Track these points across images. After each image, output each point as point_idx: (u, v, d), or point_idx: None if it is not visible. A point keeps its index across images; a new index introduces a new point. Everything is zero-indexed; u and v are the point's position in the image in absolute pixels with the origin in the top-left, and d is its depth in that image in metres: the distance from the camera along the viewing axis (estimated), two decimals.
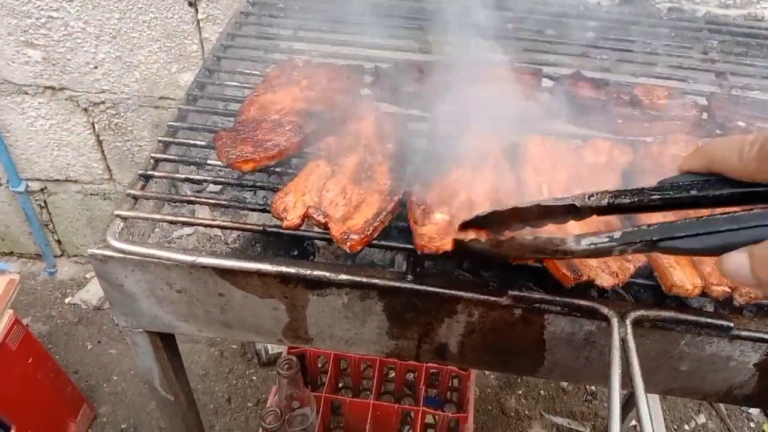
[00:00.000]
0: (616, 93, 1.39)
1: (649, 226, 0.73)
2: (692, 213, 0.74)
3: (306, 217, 1.11)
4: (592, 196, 0.82)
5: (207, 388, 3.05)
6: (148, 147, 2.92)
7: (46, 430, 2.56)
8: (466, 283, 1.12)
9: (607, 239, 0.77)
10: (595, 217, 0.86)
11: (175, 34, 2.58)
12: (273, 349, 3.05)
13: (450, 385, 2.51)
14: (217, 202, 1.19)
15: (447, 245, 1.05)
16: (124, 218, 1.15)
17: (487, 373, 3.13)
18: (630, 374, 0.99)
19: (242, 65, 1.56)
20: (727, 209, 0.70)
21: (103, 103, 2.83)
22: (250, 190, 1.31)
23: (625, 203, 0.79)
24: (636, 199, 0.78)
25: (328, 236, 1.13)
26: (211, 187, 1.43)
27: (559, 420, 3.01)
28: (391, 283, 1.10)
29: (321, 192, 1.15)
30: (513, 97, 1.38)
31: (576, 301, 1.06)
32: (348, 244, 1.05)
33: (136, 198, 1.19)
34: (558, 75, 1.47)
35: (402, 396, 2.56)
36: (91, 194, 3.16)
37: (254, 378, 3.10)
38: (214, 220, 1.17)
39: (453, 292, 1.10)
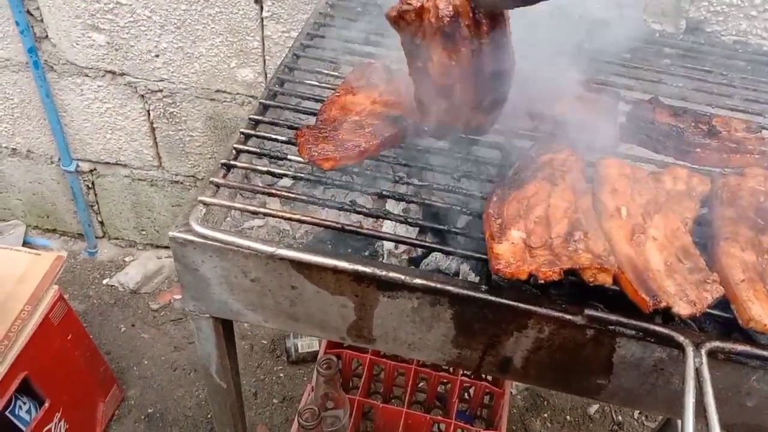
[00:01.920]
0: (694, 121, 1.39)
1: None
2: None
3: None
4: None
5: None
6: (200, 138, 2.96)
7: (77, 407, 2.59)
8: (538, 299, 1.12)
9: None
10: None
11: (238, 30, 2.61)
12: (303, 347, 3.06)
13: (482, 401, 2.49)
14: (296, 196, 1.20)
15: (523, 273, 1.05)
16: (207, 204, 1.17)
17: (513, 392, 3.11)
18: (704, 405, 0.99)
19: (320, 65, 1.58)
20: None
21: (160, 91, 2.88)
22: (326, 187, 1.32)
23: None
24: None
25: (395, 237, 1.14)
26: (281, 183, 1.45)
27: None
28: (465, 292, 1.11)
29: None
30: (592, 116, 1.38)
31: (652, 327, 1.06)
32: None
33: (218, 186, 1.21)
34: (635, 99, 1.47)
35: (431, 407, 2.55)
36: (139, 179, 3.20)
37: (281, 375, 3.11)
38: (293, 213, 1.19)
39: (527, 306, 1.10)
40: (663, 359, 1.11)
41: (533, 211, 1.18)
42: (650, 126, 1.38)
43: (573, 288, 1.21)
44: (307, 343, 3.05)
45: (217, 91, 2.82)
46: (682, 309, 1.05)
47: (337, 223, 1.15)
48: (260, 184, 1.42)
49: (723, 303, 1.09)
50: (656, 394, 1.17)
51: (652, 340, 1.09)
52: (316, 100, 1.43)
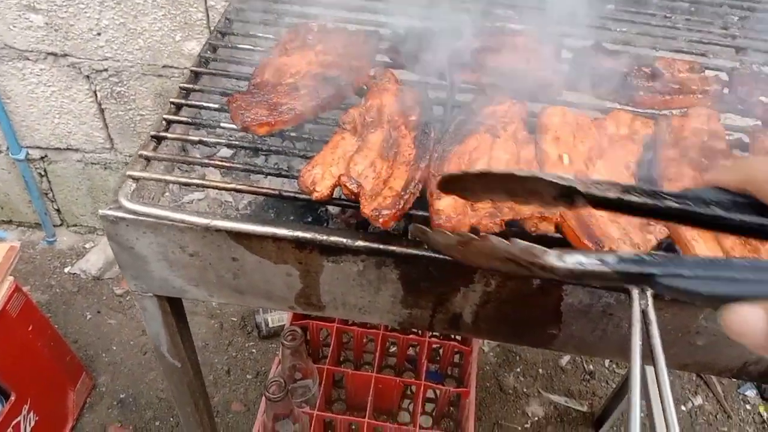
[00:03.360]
0: (637, 65, 1.37)
1: (652, 255, 0.64)
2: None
3: (336, 186, 1.09)
4: (599, 184, 0.68)
5: (206, 360, 3.04)
6: (151, 116, 2.88)
7: (46, 398, 2.55)
8: None
9: (598, 262, 0.65)
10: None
11: (181, 2, 2.52)
12: (273, 322, 3.04)
13: (452, 360, 2.51)
14: (231, 165, 1.16)
15: (464, 227, 1.04)
16: (136, 179, 1.13)
17: (486, 350, 3.14)
18: (650, 347, 0.98)
19: (255, 29, 1.53)
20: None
21: (105, 70, 2.78)
22: (264, 155, 1.28)
23: (634, 202, 0.66)
24: (649, 201, 0.65)
25: (346, 202, 1.11)
26: (222, 152, 1.41)
27: (556, 398, 3.03)
28: (409, 251, 1.08)
29: (348, 165, 1.12)
30: (533, 66, 1.35)
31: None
32: (380, 221, 1.03)
33: (148, 159, 1.17)
34: (577, 46, 1.44)
35: (403, 370, 2.56)
36: (92, 163, 3.12)
37: (254, 351, 3.10)
38: (228, 183, 1.15)
39: None
40: (611, 304, 1.11)
41: (475, 165, 1.16)
42: (593, 72, 1.36)
43: (522, 239, 1.20)
44: (277, 318, 3.03)
45: (164, 66, 2.73)
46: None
47: (274, 189, 1.11)
48: (199, 156, 1.38)
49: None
50: (607, 339, 1.17)
51: (597, 285, 1.08)
52: (252, 65, 1.38)
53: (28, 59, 2.75)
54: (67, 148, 3.07)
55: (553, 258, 0.67)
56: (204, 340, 3.11)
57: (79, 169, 3.15)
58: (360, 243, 1.08)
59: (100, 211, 1.11)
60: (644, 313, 1.02)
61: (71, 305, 3.16)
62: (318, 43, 1.37)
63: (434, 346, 2.45)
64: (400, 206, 1.05)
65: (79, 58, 2.74)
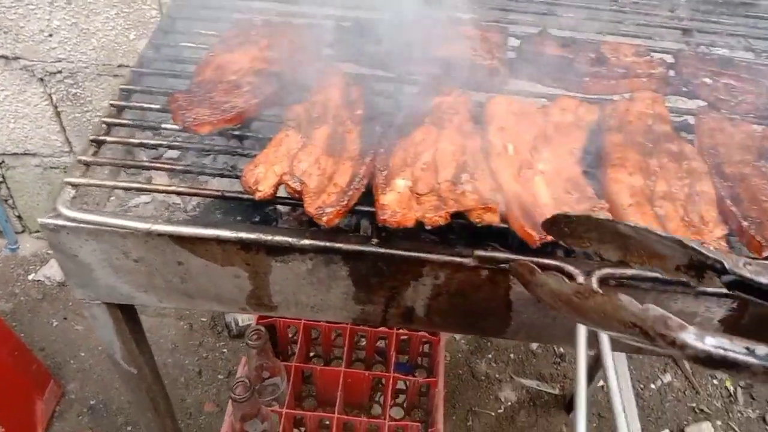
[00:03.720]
0: (583, 51, 1.37)
1: None
2: None
3: (279, 185, 1.07)
4: (749, 264, 0.61)
5: (177, 362, 3.01)
6: None
7: (12, 408, 2.50)
8: (431, 246, 1.10)
9: (745, 351, 0.58)
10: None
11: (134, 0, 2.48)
12: (243, 320, 3.01)
13: (421, 350, 2.51)
14: (173, 167, 1.14)
15: (409, 221, 1.03)
16: (75, 185, 1.10)
17: (457, 338, 3.15)
18: (596, 333, 0.99)
19: (199, 26, 1.49)
20: None
21: (59, 72, 2.72)
22: (208, 155, 1.26)
23: None
24: None
25: (292, 201, 1.10)
26: (170, 153, 1.38)
27: (528, 382, 3.05)
28: (356, 248, 1.07)
29: (292, 163, 1.11)
30: (479, 55, 1.34)
31: (542, 260, 1.05)
32: (324, 218, 1.02)
33: (87, 164, 1.14)
34: (524, 34, 1.44)
35: (373, 363, 2.55)
36: (51, 167, 3.06)
37: (225, 350, 3.07)
38: (169, 186, 1.13)
39: (418, 254, 1.08)
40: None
41: (420, 157, 1.15)
42: (539, 59, 1.35)
43: (470, 231, 1.20)
44: (247, 317, 3.00)
45: (120, 66, 2.68)
46: None
47: (216, 190, 1.09)
48: (146, 158, 1.35)
49: None
50: (558, 325, 1.17)
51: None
52: (197, 63, 1.36)
53: None
54: (25, 153, 3.00)
55: (690, 336, 0.61)
56: (174, 342, 3.08)
57: (38, 173, 3.09)
58: (306, 242, 1.07)
59: (39, 220, 1.08)
60: None
61: (37, 313, 3.11)
62: (262, 38, 1.34)
63: (403, 337, 2.45)
64: (345, 203, 1.04)
65: (32, 61, 2.67)
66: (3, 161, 3.05)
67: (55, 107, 2.85)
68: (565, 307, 0.75)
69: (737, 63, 1.37)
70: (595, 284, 1.02)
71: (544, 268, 1.07)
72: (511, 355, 3.13)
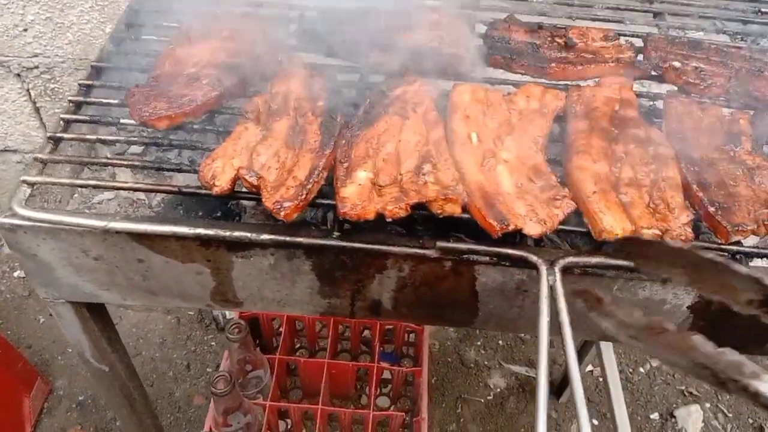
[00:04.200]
0: (551, 36, 1.35)
1: None
2: None
3: (237, 179, 1.06)
4: None
5: (165, 356, 3.00)
6: None
7: None
8: (394, 238, 1.09)
9: None
10: None
11: None
12: (230, 314, 3.00)
13: (406, 339, 2.51)
14: (131, 163, 1.12)
15: (370, 213, 1.02)
16: (31, 184, 1.08)
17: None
18: (559, 322, 0.98)
19: (163, 18, 1.47)
20: None
21: (36, 67, 2.69)
22: (172, 150, 1.24)
23: None
24: None
25: (252, 195, 1.08)
26: (135, 149, 1.36)
27: (517, 368, 3.05)
28: (317, 241, 1.06)
29: (251, 156, 1.09)
30: (446, 43, 1.32)
31: (504, 250, 1.04)
32: (282, 213, 1.00)
33: (44, 162, 1.12)
34: (492, 20, 1.42)
35: (359, 353, 2.55)
36: None
37: (213, 344, 3.06)
38: (126, 182, 1.11)
39: (381, 247, 1.06)
40: (524, 281, 1.10)
41: (383, 148, 1.13)
42: (506, 46, 1.33)
43: (436, 222, 1.18)
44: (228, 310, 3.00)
45: None
46: (532, 229, 1.02)
47: (173, 186, 1.08)
48: (108, 155, 1.33)
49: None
50: (526, 315, 1.16)
51: (508, 263, 1.06)
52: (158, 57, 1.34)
53: None
54: (5, 150, 2.98)
55: (765, 385, 0.59)
56: (162, 336, 3.07)
57: (20, 170, 3.06)
58: (266, 236, 1.05)
59: None
60: (552, 289, 1.01)
61: (23, 310, 3.10)
62: (223, 30, 1.32)
63: (388, 327, 2.45)
64: (303, 196, 1.02)
65: (7, 56, 2.64)
66: None
67: (34, 103, 2.82)
68: (634, 340, 0.72)
69: (707, 46, 1.35)
70: (558, 273, 1.02)
71: (507, 258, 1.06)
72: (500, 342, 3.13)
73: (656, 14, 1.53)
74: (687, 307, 1.12)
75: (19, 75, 2.71)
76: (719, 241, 1.08)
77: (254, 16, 1.36)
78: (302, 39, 1.36)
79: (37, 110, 2.83)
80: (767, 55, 1.37)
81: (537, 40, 1.34)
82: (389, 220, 1.02)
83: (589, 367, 3.01)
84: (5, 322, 3.03)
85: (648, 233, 1.03)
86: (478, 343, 3.12)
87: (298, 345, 2.59)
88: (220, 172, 1.05)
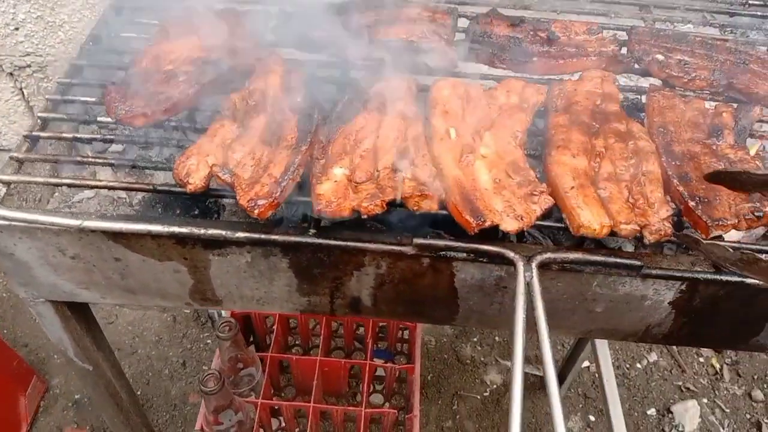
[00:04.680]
0: (533, 30, 1.34)
1: None
2: None
3: (211, 177, 1.05)
4: None
5: (161, 354, 3.01)
6: None
7: None
8: (371, 234, 1.08)
9: None
10: None
11: None
12: (226, 312, 3.00)
13: (399, 336, 2.50)
14: (107, 161, 1.12)
15: (345, 211, 1.01)
16: (6, 183, 1.08)
17: None
18: (534, 318, 0.97)
19: (143, 15, 1.46)
20: None
21: (29, 66, 2.69)
22: (147, 147, 1.23)
23: None
24: None
25: (227, 193, 1.07)
26: (117, 147, 1.35)
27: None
28: (292, 239, 1.05)
29: (227, 153, 1.08)
30: (427, 38, 1.31)
31: (481, 247, 1.03)
32: (256, 211, 1.00)
33: (20, 161, 1.12)
34: (474, 14, 1.40)
35: (353, 351, 2.54)
36: None
37: (209, 341, 3.06)
38: (101, 181, 1.11)
39: (357, 244, 1.06)
40: (503, 277, 1.09)
41: (361, 144, 1.12)
42: (488, 40, 1.32)
43: (418, 218, 1.17)
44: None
45: None
46: (509, 225, 1.01)
47: (148, 184, 1.07)
48: (89, 153, 1.33)
49: None
50: (506, 311, 1.15)
51: (485, 260, 1.05)
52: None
53: None
54: (0, 149, 2.98)
55: None
56: (158, 334, 3.08)
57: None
58: (241, 234, 1.05)
59: None
60: (529, 285, 1.00)
61: (20, 309, 3.10)
62: (203, 26, 1.31)
63: (381, 324, 2.44)
64: (278, 194, 1.01)
65: (0, 55, 2.64)
66: None
67: (27, 102, 2.81)
68: (733, 267, 0.98)
69: (692, 38, 1.33)
70: (534, 269, 1.00)
71: (485, 254, 1.05)
72: (497, 338, 3.12)
73: (642, 7, 1.51)
74: (668, 303, 1.11)
75: (11, 74, 2.70)
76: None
77: (235, 12, 1.35)
78: (281, 34, 1.35)
79: (30, 109, 2.83)
80: (754, 47, 1.36)
81: (519, 34, 1.32)
82: (364, 217, 1.02)
83: (585, 363, 3.00)
84: (1, 321, 3.04)
85: (627, 228, 1.02)
86: (475, 339, 3.11)
87: (292, 342, 2.58)
88: (194, 169, 1.04)
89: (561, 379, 2.90)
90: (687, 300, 1.10)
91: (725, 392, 2.99)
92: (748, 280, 1.03)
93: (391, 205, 1.04)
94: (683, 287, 1.08)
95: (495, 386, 2.98)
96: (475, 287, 1.11)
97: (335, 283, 1.14)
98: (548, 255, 1.02)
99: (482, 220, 1.00)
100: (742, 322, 1.13)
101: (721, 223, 1.02)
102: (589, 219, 1.02)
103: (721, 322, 1.14)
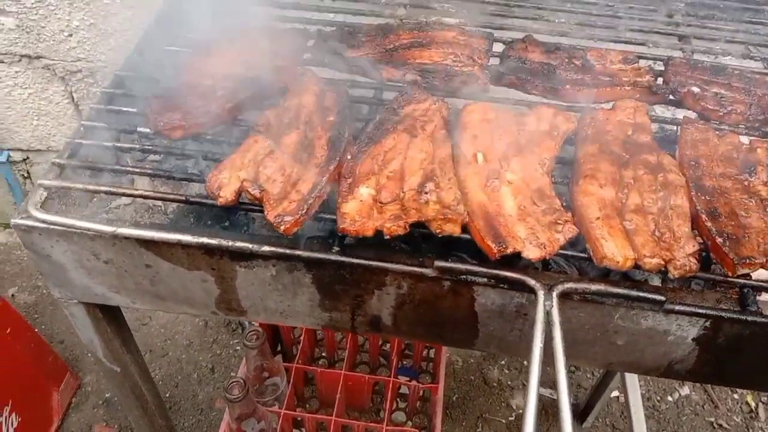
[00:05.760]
0: (568, 57, 1.34)
1: None
2: None
3: (241, 191, 1.08)
4: None
5: (191, 358, 3.06)
6: None
7: (28, 399, 2.57)
8: (393, 255, 1.09)
9: None
10: None
11: (149, 1, 2.52)
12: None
13: (425, 354, 2.49)
14: (143, 171, 1.16)
15: (368, 230, 1.02)
16: (47, 187, 1.13)
17: None
18: (552, 348, 0.97)
19: (186, 30, 1.50)
20: None
21: (80, 71, 2.79)
22: (185, 158, 1.27)
23: None
24: None
25: (256, 207, 1.10)
26: (155, 156, 1.40)
27: (541, 390, 2.99)
28: (315, 255, 1.07)
29: (258, 169, 1.11)
30: (461, 61, 1.32)
31: (503, 273, 1.03)
32: (282, 227, 1.02)
33: (61, 167, 1.16)
34: (510, 39, 1.41)
35: (378, 366, 2.55)
36: None
37: (238, 348, 3.10)
38: (137, 189, 1.14)
39: (379, 263, 1.07)
40: (523, 304, 1.09)
41: (389, 165, 1.14)
42: (521, 66, 1.33)
43: (443, 241, 1.18)
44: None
45: None
46: (532, 253, 1.01)
47: (181, 195, 1.11)
48: (129, 161, 1.37)
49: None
50: (526, 339, 1.14)
51: (505, 286, 1.06)
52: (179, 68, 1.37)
53: (3, 62, 2.77)
54: (48, 150, 3.09)
55: None
56: (189, 339, 3.13)
57: None
58: (266, 248, 1.07)
59: (12, 221, 1.11)
60: (548, 314, 1.00)
61: (57, 306, 3.19)
62: (243, 42, 1.35)
63: (406, 341, 2.44)
64: (304, 211, 1.03)
65: (53, 60, 2.75)
66: (27, 157, 3.15)
67: (77, 105, 2.92)
68: None
69: (730, 71, 1.32)
70: (555, 299, 1.00)
71: (506, 280, 1.05)
72: (525, 363, 3.08)
73: (681, 37, 1.50)
74: (692, 339, 1.09)
75: (63, 78, 2.81)
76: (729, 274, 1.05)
77: (274, 29, 1.39)
78: (318, 54, 1.38)
79: (79, 113, 2.93)
80: None
81: (554, 61, 1.33)
82: (387, 237, 1.03)
83: (615, 393, 2.94)
84: (41, 318, 3.13)
85: (652, 262, 1.01)
86: (502, 362, 3.08)
87: (318, 354, 2.60)
88: (226, 183, 1.07)
89: (588, 408, 2.86)
90: (711, 337, 1.08)
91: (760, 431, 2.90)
92: None
93: (415, 226, 1.05)
94: (707, 324, 1.06)
95: (521, 411, 2.94)
96: (496, 313, 1.11)
97: (356, 301, 1.15)
98: (570, 285, 1.02)
99: (504, 246, 1.01)
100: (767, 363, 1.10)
101: (748, 261, 1.01)
102: (613, 251, 1.01)
103: (746, 362, 1.11)
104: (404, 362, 2.52)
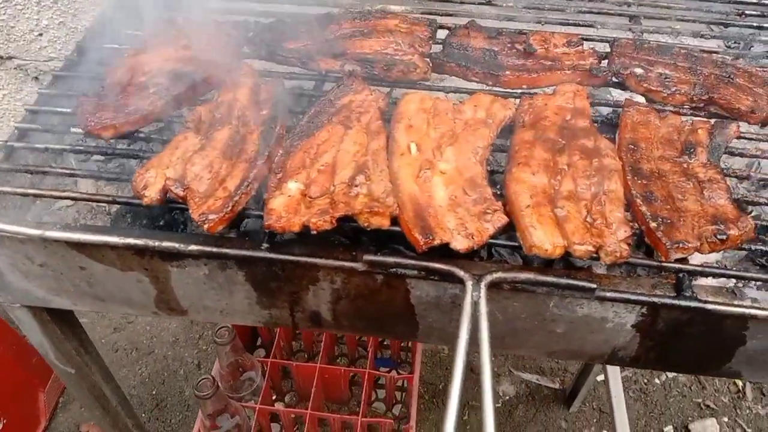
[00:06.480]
0: (511, 42, 1.31)
1: None
2: None
3: (167, 190, 1.06)
4: None
5: (177, 355, 3.06)
6: None
7: (12, 401, 2.58)
8: (324, 250, 1.07)
9: None
10: None
11: None
12: None
13: (403, 345, 2.49)
14: (73, 172, 1.15)
15: (294, 226, 1.00)
16: None
17: None
18: (477, 338, 0.96)
19: (128, 26, 1.48)
20: None
21: (52, 71, 2.77)
22: (130, 158, 1.26)
23: None
24: None
25: (184, 206, 1.09)
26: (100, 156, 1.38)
27: (527, 376, 3.00)
28: (244, 253, 1.06)
29: (186, 166, 1.09)
30: (401, 50, 1.30)
31: (431, 264, 1.01)
32: (206, 226, 1.00)
33: None
34: (453, 25, 1.39)
35: (357, 358, 2.54)
36: None
37: None
38: (64, 191, 1.13)
39: (308, 259, 1.05)
40: (458, 295, 1.07)
41: (321, 158, 1.12)
42: (462, 53, 1.30)
43: (384, 234, 1.16)
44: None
45: None
46: (459, 243, 1.00)
47: (107, 195, 1.09)
48: (73, 162, 1.36)
49: None
50: None
51: (436, 277, 1.04)
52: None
53: None
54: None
55: None
56: (175, 335, 3.14)
57: None
58: (194, 247, 1.06)
59: None
60: (476, 305, 0.98)
61: None
62: (181, 37, 1.33)
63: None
64: (229, 208, 1.02)
65: (25, 60, 2.73)
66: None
67: None
68: None
69: (677, 51, 1.29)
70: (483, 289, 0.98)
71: (436, 272, 1.04)
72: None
73: (632, 17, 1.47)
74: (631, 326, 1.08)
75: (37, 78, 2.80)
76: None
77: (213, 24, 1.37)
78: (256, 46, 1.36)
79: None
80: (744, 60, 1.30)
81: (495, 46, 1.30)
82: (314, 232, 1.01)
83: (600, 377, 2.93)
84: None
85: (581, 249, 0.99)
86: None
87: (297, 348, 2.60)
88: (152, 182, 1.06)
89: (575, 392, 2.85)
90: (650, 323, 1.06)
91: (747, 411, 2.87)
92: (709, 306, 0.99)
93: (344, 220, 1.03)
94: (644, 311, 1.04)
95: (507, 397, 2.94)
96: (432, 305, 1.09)
97: (293, 297, 1.14)
98: (498, 275, 1.00)
99: (431, 238, 0.99)
100: (711, 347, 1.09)
101: (681, 245, 0.99)
102: (542, 239, 0.99)
103: (689, 347, 1.10)
104: (383, 353, 2.51)
